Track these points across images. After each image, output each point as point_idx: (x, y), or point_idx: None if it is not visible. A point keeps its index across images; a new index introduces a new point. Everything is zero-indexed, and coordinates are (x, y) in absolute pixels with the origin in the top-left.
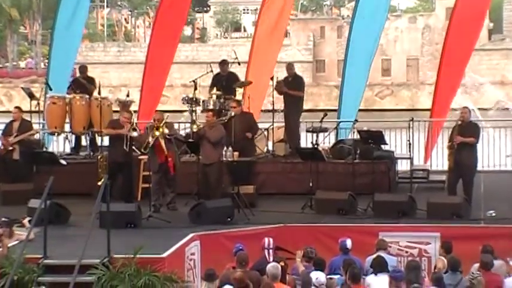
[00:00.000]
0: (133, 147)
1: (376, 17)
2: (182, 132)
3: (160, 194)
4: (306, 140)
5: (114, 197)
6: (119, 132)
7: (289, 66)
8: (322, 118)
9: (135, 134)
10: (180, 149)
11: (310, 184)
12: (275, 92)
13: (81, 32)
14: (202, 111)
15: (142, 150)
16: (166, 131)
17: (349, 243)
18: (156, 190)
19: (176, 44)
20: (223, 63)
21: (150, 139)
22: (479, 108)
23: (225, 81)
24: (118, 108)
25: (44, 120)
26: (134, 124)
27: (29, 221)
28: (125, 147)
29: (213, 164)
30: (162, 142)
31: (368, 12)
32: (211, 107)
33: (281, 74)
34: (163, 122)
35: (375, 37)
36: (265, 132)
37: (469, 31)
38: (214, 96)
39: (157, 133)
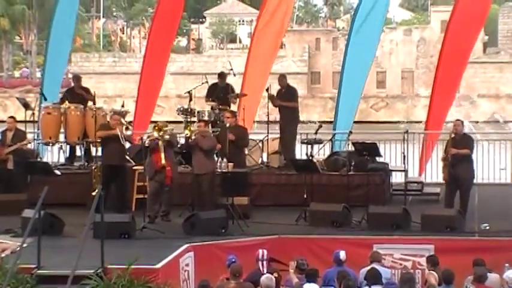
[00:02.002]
0: (127, 157)
1: (373, 30)
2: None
3: (156, 205)
4: (300, 152)
5: (108, 206)
6: (111, 132)
7: (281, 78)
8: (317, 130)
9: (129, 132)
10: (175, 160)
11: (305, 196)
12: (270, 104)
13: (70, 42)
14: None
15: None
16: (166, 137)
17: (342, 255)
18: (152, 201)
19: (169, 55)
20: (222, 76)
21: (147, 142)
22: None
23: (222, 93)
24: None
25: (38, 130)
26: (126, 123)
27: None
28: (121, 143)
29: (205, 174)
30: (161, 147)
31: (365, 25)
32: (206, 117)
33: (276, 85)
34: (165, 128)
35: (371, 50)
36: (260, 144)
37: (464, 44)
38: (209, 107)
39: (156, 134)
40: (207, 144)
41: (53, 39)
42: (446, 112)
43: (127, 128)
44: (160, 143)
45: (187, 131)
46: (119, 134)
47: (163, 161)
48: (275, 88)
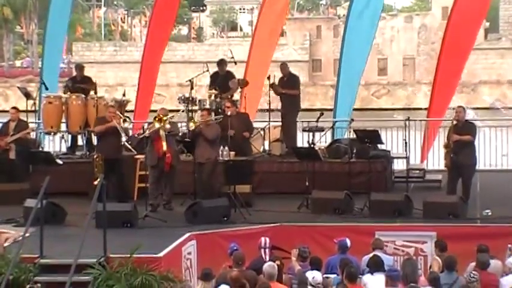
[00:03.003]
0: (128, 146)
1: (371, 16)
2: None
3: (158, 193)
4: (302, 140)
5: (110, 195)
6: (109, 125)
7: (283, 66)
8: (319, 117)
9: (127, 124)
10: (177, 148)
11: (307, 183)
12: (272, 92)
13: (65, 32)
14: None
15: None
16: (168, 126)
17: (348, 242)
18: (153, 189)
19: (166, 43)
20: (222, 63)
21: (148, 132)
22: (476, 108)
23: (222, 81)
24: None
25: (40, 119)
26: (123, 116)
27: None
28: (122, 140)
29: (207, 162)
30: (163, 135)
31: (362, 12)
32: (207, 106)
33: (278, 73)
34: (167, 116)
35: (369, 36)
36: (262, 132)
37: (468, 31)
38: (212, 96)
39: (157, 124)
40: (211, 133)
41: (50, 29)
42: (449, 99)
43: (125, 121)
44: (161, 132)
45: (191, 124)
46: (117, 126)
47: (164, 148)
48: (277, 76)
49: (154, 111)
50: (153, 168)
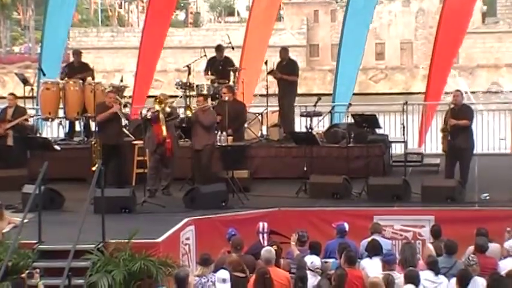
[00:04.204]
0: (126, 131)
1: (369, 1)
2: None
3: (156, 179)
4: (300, 124)
5: (107, 181)
6: (112, 112)
7: (283, 50)
8: (316, 102)
9: (127, 109)
10: (176, 134)
11: (305, 168)
12: (269, 77)
13: (71, 17)
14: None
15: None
16: (168, 109)
17: (347, 226)
18: (152, 175)
19: (167, 29)
20: (220, 49)
21: (149, 114)
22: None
23: (220, 66)
24: None
25: (37, 105)
26: (122, 101)
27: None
28: (123, 126)
29: (204, 148)
30: (162, 119)
31: None
32: (205, 91)
33: (275, 58)
34: (166, 100)
35: (368, 20)
36: (259, 117)
37: (462, 14)
38: (208, 81)
39: (157, 107)
40: (207, 119)
41: (51, 13)
42: (444, 83)
43: (125, 106)
44: (161, 115)
45: (188, 112)
46: (118, 111)
47: (164, 133)
48: (274, 62)
49: (152, 97)
50: (153, 154)
